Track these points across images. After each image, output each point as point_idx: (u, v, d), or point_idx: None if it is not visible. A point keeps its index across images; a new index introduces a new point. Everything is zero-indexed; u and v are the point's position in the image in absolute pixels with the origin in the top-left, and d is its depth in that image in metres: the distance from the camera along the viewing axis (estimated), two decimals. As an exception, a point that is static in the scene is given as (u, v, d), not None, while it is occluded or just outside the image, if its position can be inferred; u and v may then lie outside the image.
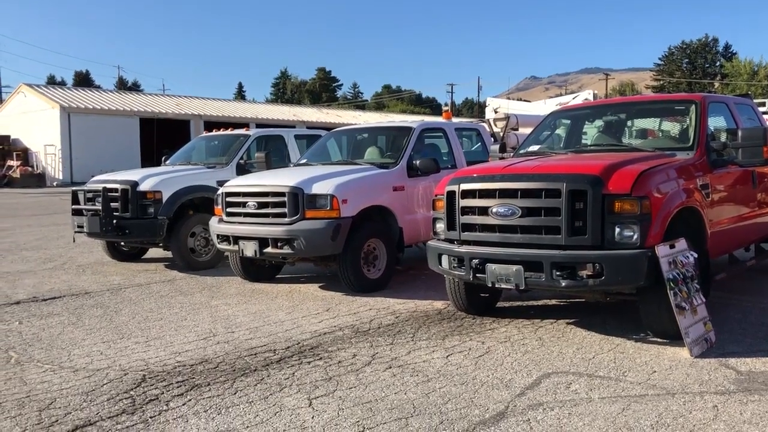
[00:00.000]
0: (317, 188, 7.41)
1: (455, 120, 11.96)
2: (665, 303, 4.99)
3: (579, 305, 6.70)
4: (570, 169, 5.39)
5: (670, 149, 6.19)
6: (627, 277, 4.98)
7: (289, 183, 7.52)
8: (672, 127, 8.25)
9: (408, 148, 8.48)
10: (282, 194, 7.48)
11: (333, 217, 7.28)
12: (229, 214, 8.05)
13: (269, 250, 7.46)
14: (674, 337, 5.13)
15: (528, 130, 11.79)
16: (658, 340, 5.35)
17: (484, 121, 11.73)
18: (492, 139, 10.25)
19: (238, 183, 8.28)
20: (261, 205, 7.69)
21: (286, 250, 7.36)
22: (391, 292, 7.61)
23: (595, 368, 4.76)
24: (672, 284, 4.92)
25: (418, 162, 8.22)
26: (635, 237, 4.95)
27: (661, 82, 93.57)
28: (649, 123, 8.51)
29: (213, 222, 8.31)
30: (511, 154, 7.31)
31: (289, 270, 9.08)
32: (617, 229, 4.98)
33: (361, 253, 7.58)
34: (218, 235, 8.10)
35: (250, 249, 7.59)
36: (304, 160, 9.46)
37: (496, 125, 11.20)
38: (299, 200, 7.36)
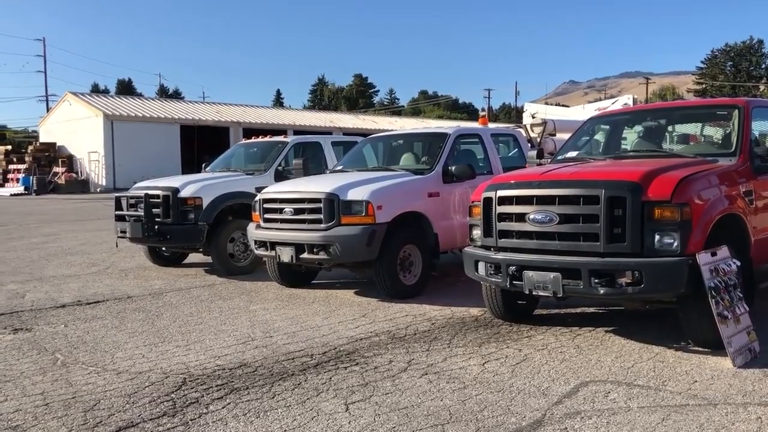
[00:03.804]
0: (353, 194, 7.47)
1: (492, 125, 11.87)
2: (707, 312, 4.90)
3: (617, 313, 6.61)
4: (608, 176, 5.34)
5: (711, 155, 6.09)
6: (667, 285, 4.91)
7: (325, 189, 7.59)
8: (714, 133, 8.11)
9: (443, 154, 8.47)
10: (318, 200, 7.55)
11: (368, 223, 7.32)
12: (266, 220, 8.15)
13: (305, 255, 7.53)
14: (716, 347, 5.03)
15: (565, 136, 11.63)
16: (700, 349, 5.25)
17: (520, 127, 11.62)
18: (529, 145, 10.15)
19: (276, 189, 8.39)
20: (297, 211, 7.77)
21: (322, 255, 7.41)
22: (428, 298, 7.61)
23: (634, 377, 4.70)
24: (714, 293, 4.84)
25: (453, 168, 8.21)
26: (675, 244, 4.88)
27: (704, 86, 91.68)
28: (691, 128, 8.39)
29: (251, 228, 8.41)
30: (549, 160, 7.27)
31: (326, 276, 9.14)
32: (657, 237, 4.92)
33: (396, 259, 7.59)
34: (255, 241, 8.19)
35: (286, 255, 7.68)
36: (340, 167, 9.52)
37: (533, 131, 11.12)
38: (335, 206, 7.42)
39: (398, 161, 9.18)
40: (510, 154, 10.11)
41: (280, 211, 7.95)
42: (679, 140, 7.89)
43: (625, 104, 20.45)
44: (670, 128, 7.75)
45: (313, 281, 8.84)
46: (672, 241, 4.90)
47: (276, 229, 7.97)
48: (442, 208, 8.18)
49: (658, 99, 78.75)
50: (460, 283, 8.23)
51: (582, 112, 19.46)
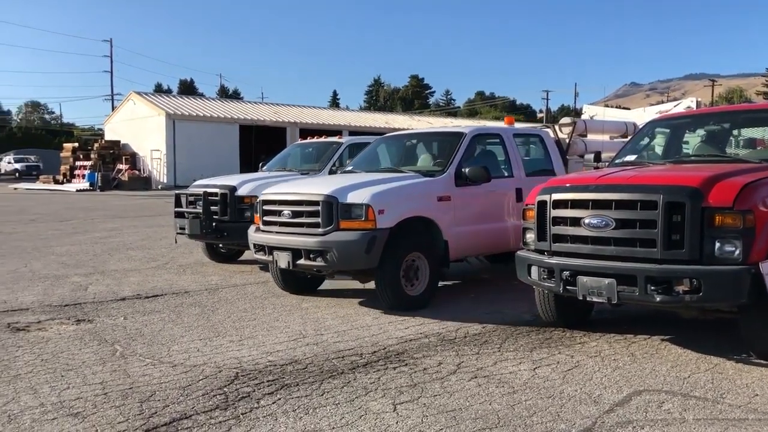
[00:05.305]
0: (353, 197, 6.98)
1: (519, 125, 11.06)
2: (770, 323, 4.73)
3: (674, 321, 6.44)
4: (667, 181, 5.21)
5: (779, 160, 5.86)
6: (727, 295, 4.76)
7: (324, 191, 7.12)
8: (784, 137, 7.81)
9: (457, 155, 7.89)
10: (316, 203, 7.08)
11: (368, 228, 6.83)
12: (265, 223, 7.70)
13: (302, 261, 7.08)
14: (779, 360, 4.85)
15: (597, 137, 11.19)
16: (762, 362, 5.06)
17: (548, 127, 11.07)
18: (556, 146, 9.56)
19: (275, 190, 7.94)
20: (295, 214, 7.32)
21: (319, 262, 6.96)
22: (479, 301, 7.57)
23: (690, 388, 4.57)
24: (777, 303, 4.66)
25: (467, 170, 7.66)
26: (737, 252, 4.73)
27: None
28: (758, 132, 8.09)
29: (250, 231, 8.00)
30: (606, 164, 7.13)
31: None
32: (717, 244, 4.77)
33: (400, 267, 7.05)
34: (254, 245, 7.77)
35: (283, 260, 7.27)
36: (350, 167, 9.08)
37: (561, 131, 10.49)
38: (333, 210, 6.95)
39: (412, 162, 8.69)
40: (537, 156, 9.53)
41: (279, 213, 7.49)
42: (744, 145, 7.64)
43: (688, 107, 19.78)
44: (735, 132, 7.50)
45: (318, 287, 8.37)
46: (733, 248, 4.74)
47: (275, 232, 7.51)
48: (454, 213, 7.61)
49: (724, 102, 76.30)
50: (512, 288, 8.14)
51: (643, 114, 18.92)
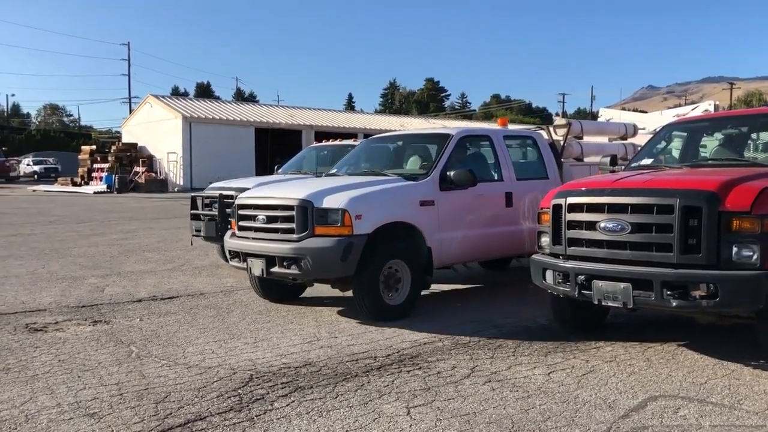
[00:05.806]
0: (329, 202, 6.68)
1: (511, 126, 10.51)
2: (788, 329, 4.68)
3: (691, 326, 6.38)
4: (684, 185, 5.17)
5: (798, 165, 5.79)
6: (744, 300, 4.71)
7: (298, 195, 6.82)
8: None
9: (442, 157, 7.57)
10: (290, 208, 6.78)
11: (344, 234, 6.53)
12: (240, 228, 7.39)
13: (276, 269, 6.78)
14: (798, 366, 4.80)
15: (593, 139, 10.99)
16: (780, 368, 5.02)
17: (542, 128, 10.77)
18: (551, 148, 9.17)
19: (250, 194, 7.67)
20: (270, 219, 7.01)
21: (294, 270, 6.65)
22: (492, 305, 7.54)
23: (707, 394, 4.53)
24: (796, 309, 4.61)
25: (451, 174, 7.33)
26: (755, 257, 4.68)
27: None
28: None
29: (226, 236, 7.72)
30: (622, 167, 7.09)
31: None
32: (735, 249, 4.73)
33: (379, 275, 6.76)
34: (229, 251, 7.53)
35: (257, 268, 6.96)
36: (334, 170, 8.81)
37: (556, 132, 10.17)
38: (308, 215, 6.65)
39: (399, 165, 8.36)
40: (530, 159, 9.20)
41: (254, 218, 7.19)
42: (763, 149, 7.55)
43: (706, 110, 19.66)
44: (753, 136, 7.42)
45: (300, 295, 8.09)
46: (751, 253, 4.70)
47: (250, 238, 7.21)
48: (438, 219, 7.29)
49: (743, 105, 75.48)
50: (529, 292, 8.10)
51: (660, 118, 18.80)
